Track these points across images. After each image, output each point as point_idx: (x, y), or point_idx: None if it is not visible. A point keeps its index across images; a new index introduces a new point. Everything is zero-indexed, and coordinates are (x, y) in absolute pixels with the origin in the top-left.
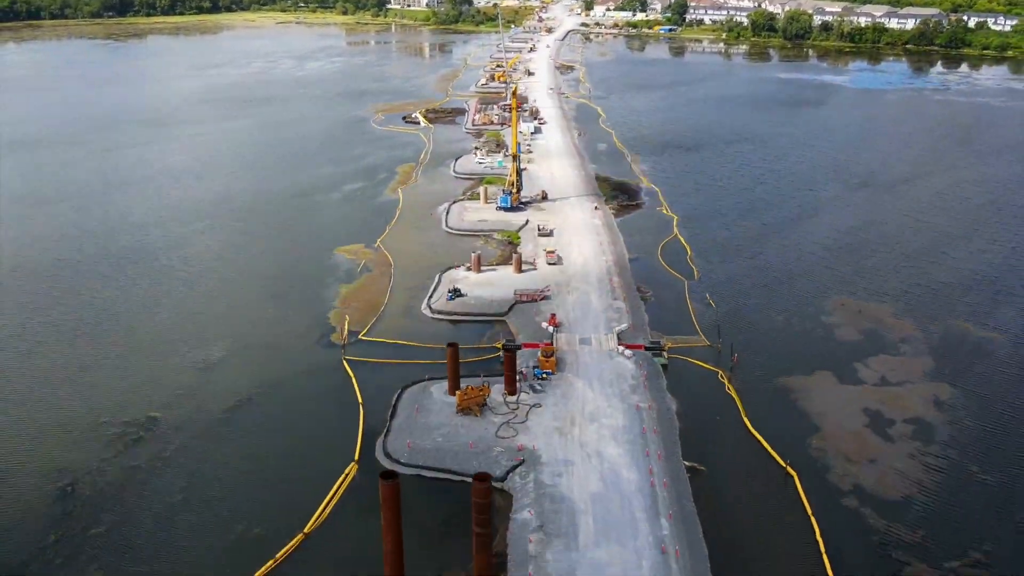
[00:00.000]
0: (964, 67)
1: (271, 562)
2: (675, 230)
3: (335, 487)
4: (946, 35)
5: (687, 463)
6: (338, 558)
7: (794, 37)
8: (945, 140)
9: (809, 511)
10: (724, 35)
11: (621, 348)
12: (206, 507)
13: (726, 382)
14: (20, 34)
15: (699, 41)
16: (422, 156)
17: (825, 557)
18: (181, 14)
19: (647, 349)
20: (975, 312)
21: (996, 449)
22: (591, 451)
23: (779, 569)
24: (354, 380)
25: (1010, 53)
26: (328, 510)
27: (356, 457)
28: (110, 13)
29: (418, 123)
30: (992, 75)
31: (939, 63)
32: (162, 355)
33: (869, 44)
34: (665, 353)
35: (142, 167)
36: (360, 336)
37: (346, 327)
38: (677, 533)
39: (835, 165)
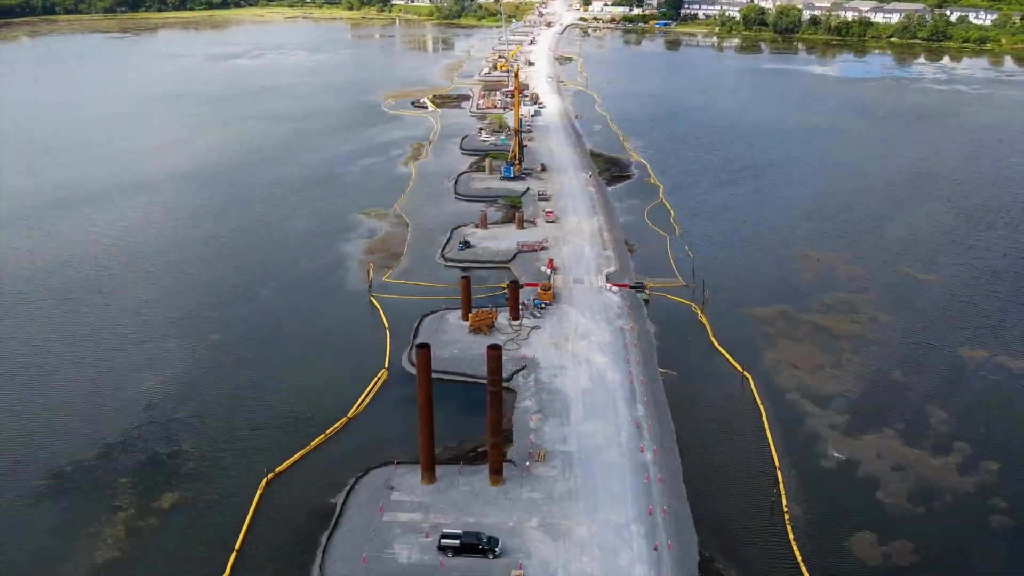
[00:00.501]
0: (946, 59)
1: (322, 436)
2: (661, 196)
3: (370, 386)
4: (928, 29)
5: (661, 369)
6: (375, 435)
7: (784, 31)
8: (916, 122)
9: (759, 402)
10: (717, 29)
11: (609, 286)
12: (269, 397)
13: (698, 312)
14: (37, 28)
15: (693, 35)
16: (431, 135)
17: (769, 435)
18: (191, 9)
19: (632, 287)
20: (916, 261)
21: (918, 362)
22: (581, 359)
23: (731, 442)
24: (381, 311)
25: (989, 46)
26: (366, 402)
27: (386, 365)
28: (123, 8)
29: (426, 107)
30: (969, 66)
31: (922, 56)
32: (223, 291)
33: (855, 38)
34: (647, 290)
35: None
36: (384, 279)
37: (371, 272)
38: (649, 415)
39: (806, 148)
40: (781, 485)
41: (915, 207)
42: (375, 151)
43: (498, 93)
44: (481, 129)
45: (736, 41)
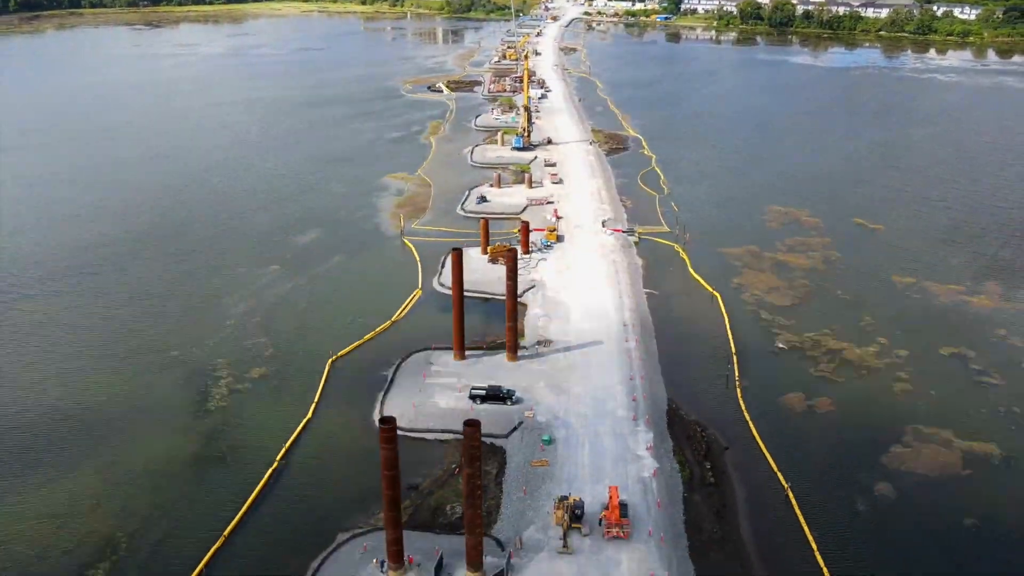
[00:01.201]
0: (932, 52)
1: (372, 333)
2: (653, 164)
3: (408, 300)
4: (915, 23)
5: (646, 289)
6: (414, 332)
7: (779, 25)
8: (889, 106)
9: (723, 311)
10: (715, 23)
11: (605, 230)
12: (326, 307)
13: (679, 250)
14: (66, 21)
15: (693, 29)
16: (448, 115)
17: (729, 333)
18: (211, 3)
19: (624, 232)
20: (869, 215)
21: (856, 285)
22: (580, 280)
23: (698, 337)
24: (413, 249)
25: (971, 39)
26: (406, 311)
27: (419, 286)
28: (145, 2)
29: (441, 91)
30: (949, 57)
31: (909, 49)
32: (276, 233)
33: (847, 31)
34: (637, 234)
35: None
36: (413, 226)
37: (402, 220)
38: (634, 318)
39: (787, 127)
40: (735, 363)
41: (875, 175)
42: (397, 128)
43: (507, 79)
44: (493, 109)
45: (733, 35)
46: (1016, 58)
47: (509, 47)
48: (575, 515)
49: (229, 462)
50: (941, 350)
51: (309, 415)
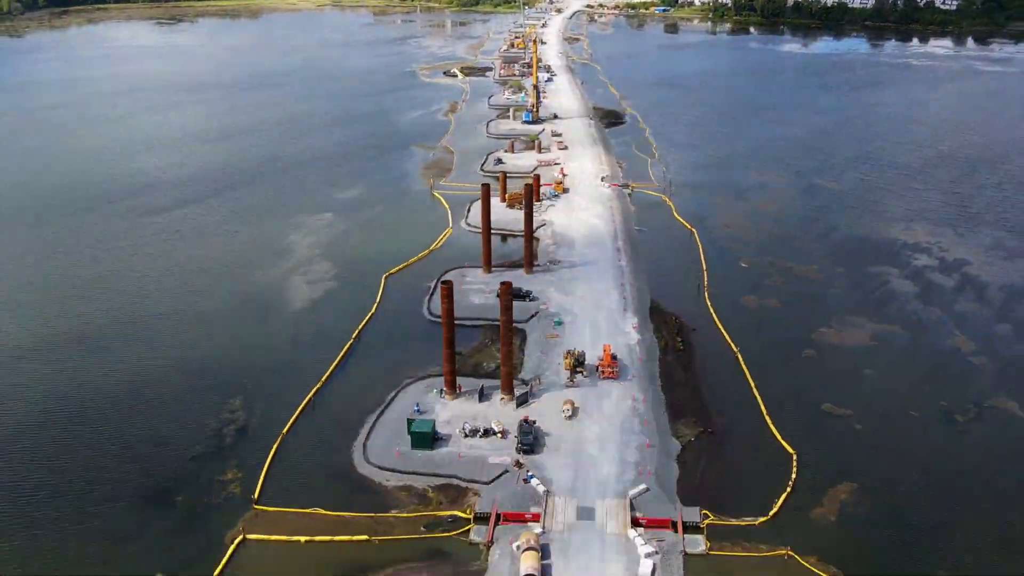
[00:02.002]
0: (915, 40)
1: (415, 258)
2: (647, 135)
3: (442, 236)
4: (899, 13)
5: (636, 227)
6: (449, 258)
7: (771, 15)
8: (862, 86)
9: (699, 241)
10: (711, 14)
11: (603, 184)
12: (375, 240)
13: (666, 199)
14: (93, 16)
15: (689, 20)
16: (463, 96)
17: (702, 255)
18: None
19: (619, 186)
20: (828, 176)
21: (809, 223)
22: (582, 220)
23: (677, 258)
24: (442, 199)
25: (950, 28)
26: (440, 243)
27: (450, 226)
28: None
29: (456, 76)
30: (929, 45)
31: (893, 38)
32: (325, 189)
33: (835, 21)
34: (631, 188)
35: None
36: (440, 183)
37: (431, 179)
38: (625, 247)
39: (770, 104)
40: (705, 276)
41: (837, 144)
42: (419, 106)
43: (516, 65)
44: (505, 90)
45: (728, 25)
46: (993, 45)
47: (517, 36)
48: (578, 362)
49: (317, 341)
50: (867, 268)
51: (373, 310)
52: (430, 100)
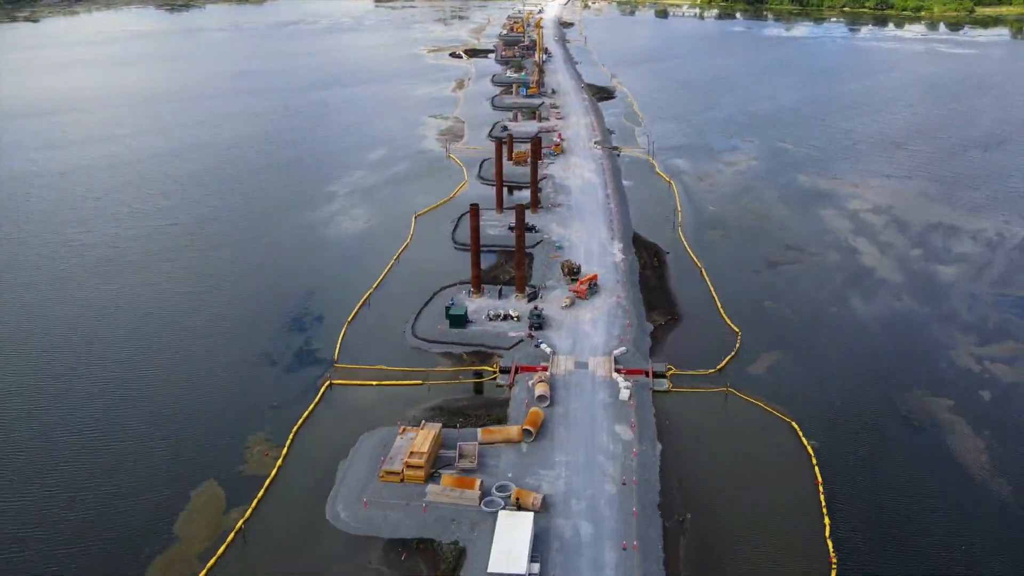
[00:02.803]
0: (890, 25)
1: (437, 203)
2: (634, 108)
3: (459, 186)
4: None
5: (625, 181)
6: (466, 203)
7: (755, 2)
8: (831, 66)
9: (675, 190)
10: (699, 1)
11: (596, 147)
12: (401, 192)
13: (649, 159)
14: (98, 3)
15: (679, 6)
16: (469, 74)
17: (677, 199)
18: None
19: (610, 148)
20: (790, 140)
21: (771, 177)
22: (578, 175)
23: (656, 203)
24: (455, 159)
25: (923, 13)
26: (457, 193)
27: (465, 179)
28: None
29: (461, 57)
30: (903, 30)
31: (869, 23)
32: (356, 151)
33: (814, 7)
34: (619, 150)
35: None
36: (454, 146)
37: (446, 142)
38: (614, 195)
39: (746, 81)
40: (679, 215)
41: (801, 116)
42: (430, 83)
43: (516, 47)
44: (506, 69)
45: (715, 11)
46: (964, 30)
47: (516, 21)
48: (574, 271)
49: (366, 260)
50: (812, 211)
51: (408, 240)
52: (439, 79)
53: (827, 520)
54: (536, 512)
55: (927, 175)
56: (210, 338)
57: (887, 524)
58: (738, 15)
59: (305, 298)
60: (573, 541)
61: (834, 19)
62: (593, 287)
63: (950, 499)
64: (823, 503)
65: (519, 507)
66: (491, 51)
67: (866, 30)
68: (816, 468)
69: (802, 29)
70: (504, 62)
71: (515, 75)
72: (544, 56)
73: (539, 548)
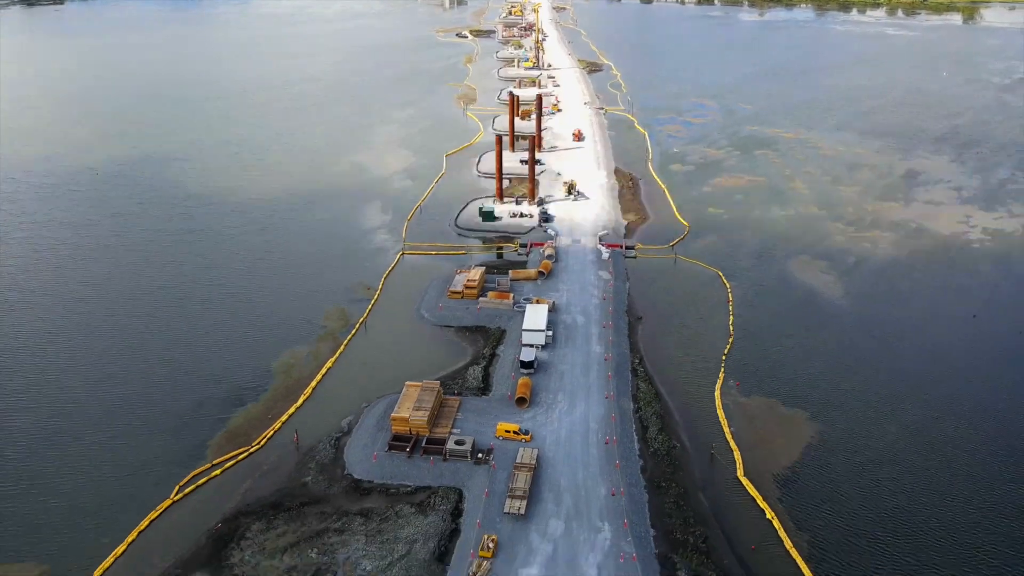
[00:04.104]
0: (854, 12)
1: (461, 147)
2: (618, 78)
3: (474, 138)
4: None
5: (609, 132)
6: (483, 148)
7: None
8: (794, 45)
9: (647, 139)
10: None
11: (586, 108)
12: (431, 140)
13: (630, 116)
14: None
15: None
16: (475, 51)
17: (649, 148)
18: None
19: (598, 109)
20: (748, 101)
21: (735, 132)
22: (571, 127)
23: (634, 151)
24: (473, 116)
25: (883, 1)
26: (477, 139)
27: (481, 129)
28: None
29: (467, 37)
30: (864, 16)
31: (835, 9)
32: (387, 109)
33: None
34: (605, 110)
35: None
36: (470, 107)
37: (463, 104)
38: (600, 142)
39: (715, 57)
40: (650, 154)
41: (759, 83)
42: (441, 59)
43: (515, 28)
44: (509, 46)
45: None
46: (922, 16)
47: (514, 5)
48: (572, 187)
49: (411, 184)
50: (755, 151)
51: (443, 171)
52: (450, 55)
53: (731, 319)
54: (549, 310)
55: (845, 127)
56: (326, 229)
57: (777, 328)
58: (716, 2)
59: (374, 206)
60: (572, 324)
61: (803, 5)
62: (576, 194)
63: (816, 323)
64: (731, 312)
65: None
66: (492, 32)
67: (830, 16)
68: (730, 297)
69: (773, 15)
70: (505, 41)
71: (516, 52)
72: (542, 36)
73: (550, 328)
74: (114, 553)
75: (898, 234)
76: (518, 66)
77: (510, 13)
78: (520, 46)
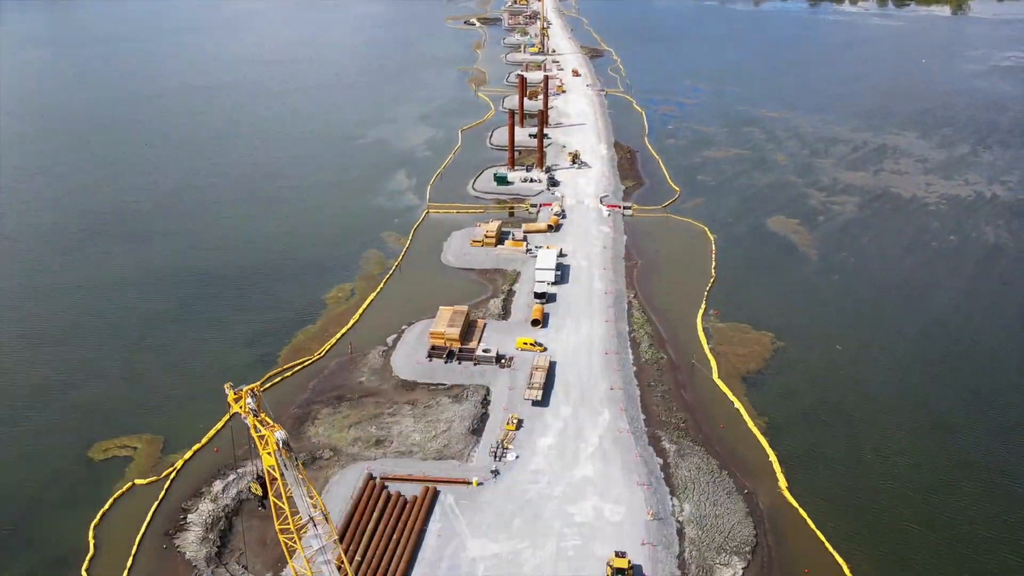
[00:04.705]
0: (846, 2)
1: (475, 123)
2: (617, 62)
3: (488, 115)
4: None
5: (609, 110)
6: (495, 123)
7: None
8: (781, 31)
9: (643, 115)
10: None
11: (588, 89)
12: (449, 115)
13: (629, 98)
14: None
15: None
16: (483, 37)
17: (644, 121)
18: None
19: (599, 90)
20: (737, 84)
21: (718, 110)
22: (575, 105)
23: (630, 124)
24: (484, 96)
25: None
26: (489, 116)
27: (492, 108)
28: None
29: (475, 24)
30: (855, 7)
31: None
32: (412, 91)
33: None
34: (606, 92)
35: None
36: (479, 87)
37: (474, 85)
38: (601, 116)
39: (707, 43)
40: (645, 129)
41: (747, 68)
42: (451, 45)
43: (520, 16)
44: (514, 33)
45: None
46: (911, 6)
47: None
48: (576, 157)
49: (431, 154)
50: (741, 128)
51: (459, 143)
52: (459, 40)
53: (714, 264)
54: (558, 255)
55: (825, 108)
56: (360, 190)
57: (753, 271)
58: None
59: (400, 173)
60: (576, 268)
61: None
62: (580, 163)
63: (786, 267)
64: (713, 259)
65: None
66: (499, 19)
67: (823, 6)
68: (713, 247)
69: (769, 5)
70: (511, 28)
71: (522, 38)
72: (546, 23)
73: (559, 269)
74: (214, 428)
75: (864, 198)
76: (524, 52)
77: (515, 1)
78: (525, 32)
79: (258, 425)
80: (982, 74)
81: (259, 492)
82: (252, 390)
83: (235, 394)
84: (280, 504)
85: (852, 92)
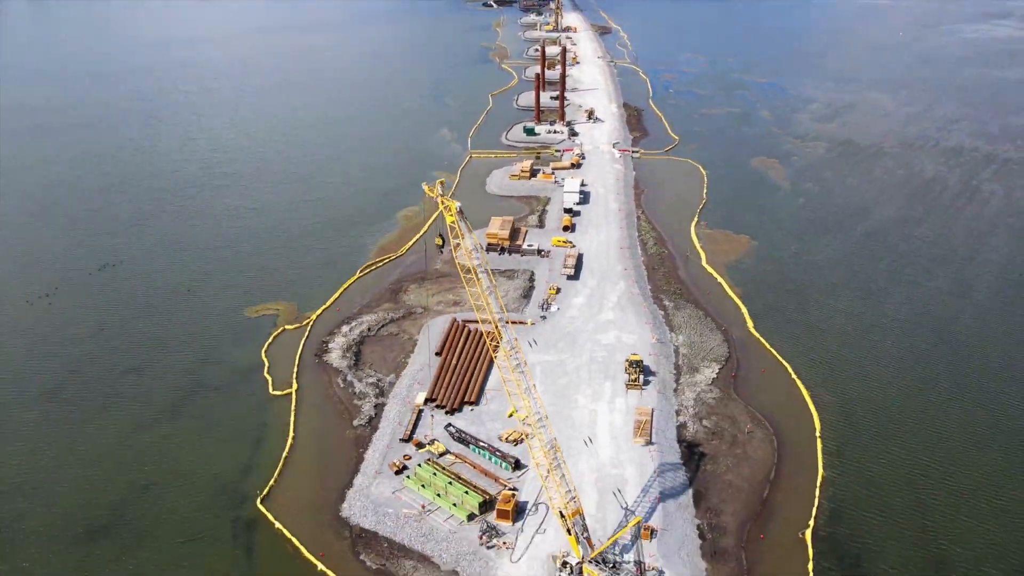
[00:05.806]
0: None
1: (502, 88)
2: (625, 39)
3: (511, 83)
4: None
5: (618, 77)
6: (518, 90)
7: None
8: (775, 20)
9: (648, 83)
10: None
11: (599, 60)
12: (472, 85)
13: (636, 67)
14: None
15: None
16: (501, 19)
17: (649, 87)
18: None
19: (608, 61)
20: (734, 57)
21: (716, 78)
22: (588, 74)
23: (639, 93)
24: (508, 67)
25: None
26: (513, 84)
27: (515, 76)
28: None
29: (492, 6)
30: None
31: None
32: (440, 69)
33: None
34: (615, 62)
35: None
36: (504, 60)
37: (498, 58)
38: (611, 85)
39: (708, 22)
40: (650, 92)
41: (744, 43)
42: (473, 25)
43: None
44: (531, 13)
45: None
46: None
47: None
48: (591, 113)
49: (464, 116)
50: (736, 93)
51: (490, 105)
52: (480, 20)
53: (705, 191)
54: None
55: (807, 73)
56: (411, 141)
57: (736, 196)
58: None
59: (443, 129)
60: (595, 194)
61: None
62: (594, 119)
63: (763, 192)
64: (705, 187)
65: None
66: (515, 0)
67: None
68: (705, 179)
69: None
70: (526, 8)
71: (537, 18)
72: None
73: (582, 192)
74: (332, 297)
75: (831, 143)
76: (540, 29)
77: None
78: (540, 12)
79: (445, 200)
80: (949, 45)
81: (440, 243)
82: (440, 183)
83: (430, 188)
84: (459, 240)
85: (832, 60)
